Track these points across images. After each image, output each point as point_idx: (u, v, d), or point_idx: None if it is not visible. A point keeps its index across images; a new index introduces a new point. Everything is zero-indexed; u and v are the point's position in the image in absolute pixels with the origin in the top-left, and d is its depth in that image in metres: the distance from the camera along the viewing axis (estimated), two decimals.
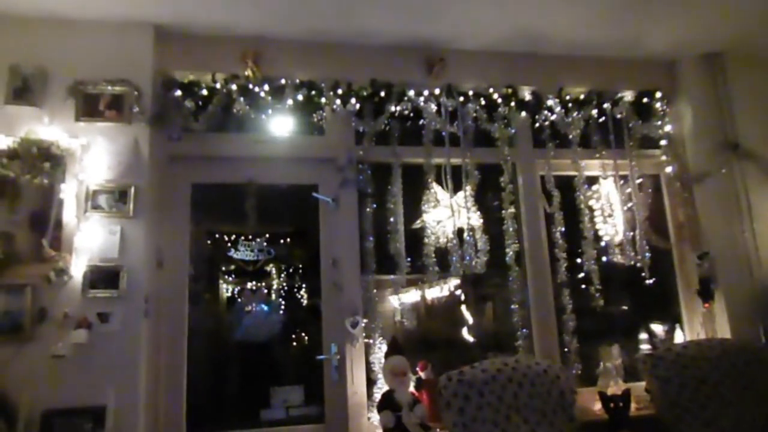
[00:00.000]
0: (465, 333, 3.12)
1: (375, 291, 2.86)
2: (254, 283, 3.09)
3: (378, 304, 2.89)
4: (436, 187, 3.03)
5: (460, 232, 2.99)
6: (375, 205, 2.93)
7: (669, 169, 3.37)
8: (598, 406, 2.86)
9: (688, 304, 3.30)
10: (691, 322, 3.27)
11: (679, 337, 3.22)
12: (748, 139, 3.39)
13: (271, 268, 3.24)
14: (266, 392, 2.81)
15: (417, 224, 3.02)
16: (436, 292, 3.67)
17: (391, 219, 2.92)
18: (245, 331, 2.98)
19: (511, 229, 3.06)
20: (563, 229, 3.11)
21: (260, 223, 2.88)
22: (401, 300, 3.46)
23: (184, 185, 2.83)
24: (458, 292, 3.50)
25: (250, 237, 2.84)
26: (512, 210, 3.09)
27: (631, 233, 3.21)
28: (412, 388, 2.70)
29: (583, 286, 3.16)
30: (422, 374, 2.77)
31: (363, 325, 2.80)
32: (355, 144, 2.97)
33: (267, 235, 2.90)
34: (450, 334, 3.37)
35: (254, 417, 2.79)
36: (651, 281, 3.38)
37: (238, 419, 2.77)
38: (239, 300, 3.01)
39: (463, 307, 3.40)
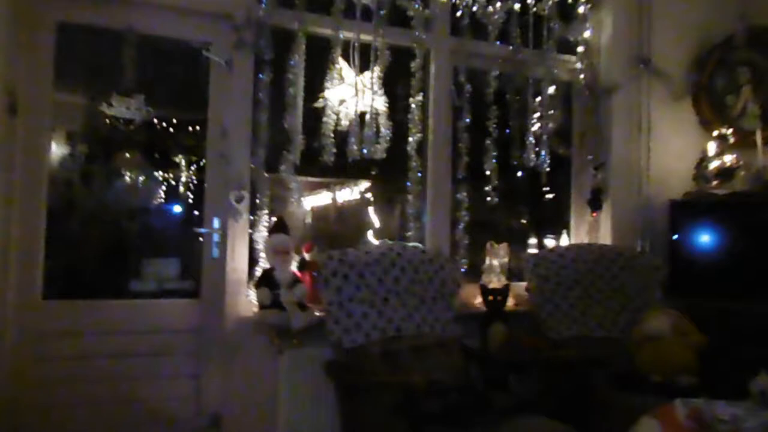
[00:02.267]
0: (370, 236, 3.03)
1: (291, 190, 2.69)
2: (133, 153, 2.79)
3: (288, 207, 2.75)
4: (342, 63, 2.80)
5: (362, 115, 2.82)
6: (273, 75, 2.68)
7: (581, 77, 3.33)
8: (479, 300, 2.93)
9: (578, 211, 3.40)
10: (578, 229, 3.38)
11: (564, 242, 3.33)
12: (659, 56, 3.40)
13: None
14: (137, 263, 2.63)
15: (319, 102, 2.81)
16: (347, 194, 3.56)
17: (290, 90, 2.69)
18: (116, 198, 2.72)
19: (416, 117, 2.93)
20: (469, 123, 3.03)
21: (140, 80, 2.56)
22: (312, 203, 3.35)
23: (47, 23, 2.43)
24: (368, 194, 3.40)
25: (127, 93, 2.52)
26: (420, 98, 2.94)
27: (535, 137, 3.18)
28: (294, 269, 2.61)
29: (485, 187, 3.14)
30: (307, 255, 2.69)
31: (247, 199, 2.63)
32: (257, 1, 2.65)
33: (147, 94, 2.59)
34: (358, 238, 3.28)
35: (123, 288, 2.61)
36: (549, 189, 3.44)
37: (105, 289, 2.58)
38: (113, 163, 2.72)
39: (371, 210, 3.30)
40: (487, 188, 3.09)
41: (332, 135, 2.76)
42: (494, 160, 3.09)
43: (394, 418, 2.02)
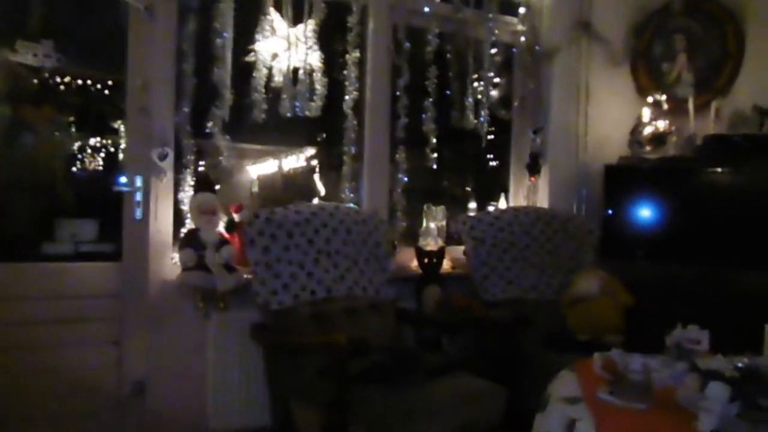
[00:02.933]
0: (316, 203, 2.94)
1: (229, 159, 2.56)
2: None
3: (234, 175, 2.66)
4: (274, 15, 2.66)
5: (295, 71, 2.70)
6: (199, 25, 2.51)
7: (522, 39, 3.29)
8: (416, 263, 2.90)
9: (517, 176, 3.40)
10: (516, 193, 3.39)
11: (502, 206, 3.33)
12: (599, 21, 3.39)
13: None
14: (50, 224, 2.45)
15: (250, 57, 2.66)
16: (293, 162, 3.45)
17: (218, 41, 2.53)
18: (21, 152, 2.52)
19: (353, 75, 2.83)
20: (408, 83, 2.95)
21: (48, 25, 2.36)
22: (258, 171, 3.22)
23: None
24: (313, 161, 3.30)
25: (33, 38, 2.31)
26: (357, 55, 2.84)
27: (475, 99, 3.14)
28: (222, 229, 2.50)
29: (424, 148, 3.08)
30: (236, 216, 2.58)
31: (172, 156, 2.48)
32: None
33: (56, 41, 2.38)
34: None
35: (35, 250, 2.44)
36: (489, 153, 3.42)
37: (13, 252, 2.40)
38: (20, 117, 2.51)
39: (316, 177, 3.19)
40: (426, 151, 3.04)
41: (264, 91, 2.63)
42: (434, 123, 3.04)
43: (321, 378, 1.97)
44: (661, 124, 3.22)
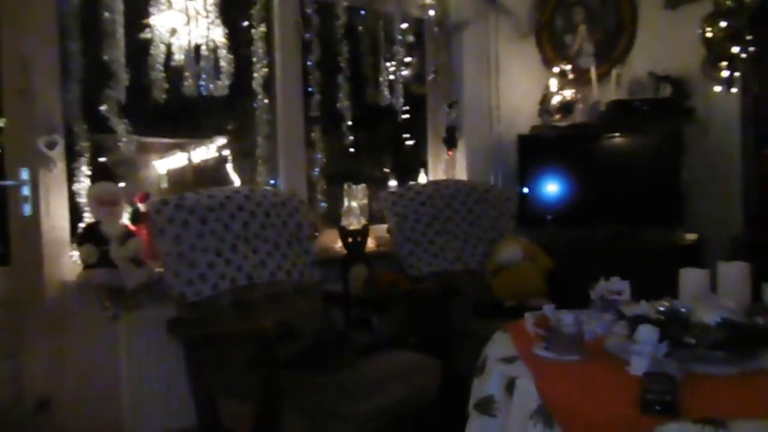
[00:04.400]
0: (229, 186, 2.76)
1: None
2: None
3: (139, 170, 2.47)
4: None
5: (197, 48, 2.51)
6: None
7: (432, 13, 3.27)
8: (340, 244, 2.83)
9: (434, 150, 3.40)
10: (435, 168, 3.39)
11: (422, 180, 3.32)
12: None
13: None
14: None
15: (145, 33, 2.45)
16: (203, 153, 3.24)
17: (106, 15, 2.30)
18: None
19: (261, 51, 2.69)
20: (319, 59, 2.85)
21: None
22: (166, 166, 2.98)
23: None
24: (225, 151, 3.10)
25: None
26: (263, 29, 2.69)
27: (388, 74, 3.09)
28: (126, 221, 2.30)
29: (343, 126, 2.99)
30: (141, 206, 2.37)
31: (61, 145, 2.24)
32: None
33: None
34: None
35: None
36: (405, 128, 3.39)
37: None
38: None
39: (230, 167, 3.00)
40: (343, 129, 2.96)
41: (163, 69, 2.43)
42: (349, 100, 2.96)
43: (249, 369, 1.86)
44: (568, 93, 3.34)
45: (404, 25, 3.13)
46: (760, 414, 0.97)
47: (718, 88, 2.85)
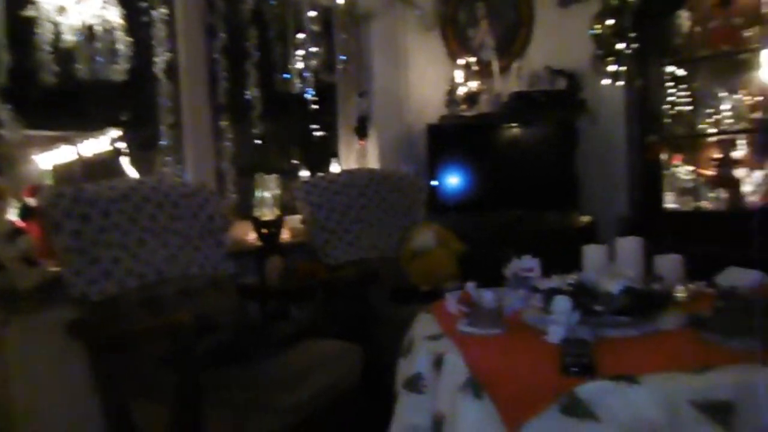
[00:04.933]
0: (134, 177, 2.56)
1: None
2: None
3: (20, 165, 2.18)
4: None
5: (90, 29, 2.33)
6: None
7: (340, 1, 3.26)
8: (254, 236, 2.75)
9: (346, 140, 3.40)
10: (347, 158, 3.40)
11: (335, 170, 3.31)
12: None
13: None
14: None
15: (28, 11, 2.22)
16: (94, 146, 2.98)
17: None
18: None
19: (162, 34, 2.54)
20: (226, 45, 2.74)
21: None
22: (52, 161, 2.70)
23: None
24: (120, 143, 2.87)
25: None
26: (164, 11, 2.55)
27: (298, 62, 3.04)
28: (14, 216, 2.09)
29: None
30: (31, 201, 2.16)
31: None
32: None
33: None
34: None
35: None
36: (317, 118, 3.36)
37: None
38: None
39: (125, 160, 2.79)
40: (252, 118, 2.87)
41: (51, 51, 2.22)
42: (258, 88, 2.88)
43: (163, 368, 1.76)
44: (473, 85, 3.47)
45: (312, 13, 3.09)
46: (663, 368, 1.08)
47: (606, 82, 3.08)
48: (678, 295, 1.58)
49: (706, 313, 1.30)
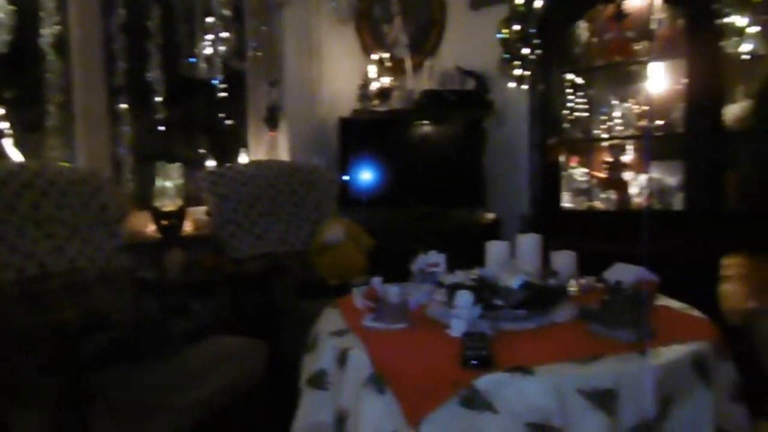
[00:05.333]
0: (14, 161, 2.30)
1: None
2: None
3: None
4: None
5: None
6: None
7: None
8: (153, 228, 2.60)
9: (255, 130, 3.30)
10: (257, 148, 3.30)
11: (243, 161, 3.20)
12: None
13: None
14: None
15: None
16: None
17: None
18: None
19: (51, 4, 2.32)
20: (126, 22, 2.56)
21: None
22: None
23: None
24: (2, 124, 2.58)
25: None
26: None
27: (205, 46, 2.90)
28: None
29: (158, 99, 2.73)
30: None
31: None
32: None
33: None
34: None
35: None
36: (225, 106, 3.23)
37: None
38: None
39: (8, 142, 2.51)
40: (154, 102, 2.71)
41: None
42: (161, 71, 2.72)
43: (47, 371, 1.61)
44: (386, 80, 3.48)
45: None
46: (554, 359, 1.13)
47: (511, 85, 3.21)
48: (571, 289, 1.68)
49: (594, 306, 1.39)
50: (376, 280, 1.51)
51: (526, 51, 3.07)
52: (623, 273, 1.49)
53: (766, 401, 1.38)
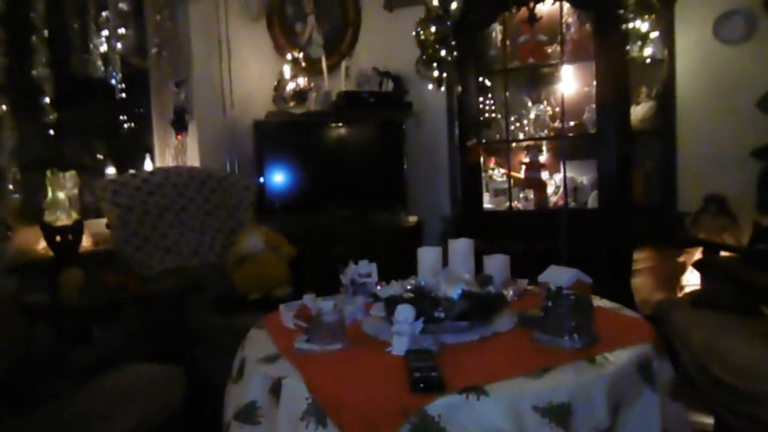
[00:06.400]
0: None
1: None
2: None
3: None
4: None
5: None
6: None
7: None
8: (43, 245, 2.31)
9: (161, 134, 3.05)
10: (163, 153, 3.05)
11: (149, 168, 2.94)
12: None
13: None
14: None
15: None
16: None
17: None
18: None
19: None
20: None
21: None
22: None
23: None
24: None
25: None
26: None
27: (101, 42, 2.63)
28: None
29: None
30: None
31: None
32: None
33: None
34: None
35: None
36: (126, 107, 2.96)
37: None
38: None
39: None
40: (41, 104, 2.40)
41: None
42: (49, 68, 2.42)
43: None
44: (302, 81, 3.35)
45: None
46: (507, 374, 1.07)
47: (430, 87, 3.19)
48: (508, 294, 1.65)
49: (534, 312, 1.35)
50: (308, 298, 1.39)
51: (443, 52, 3.06)
52: (559, 276, 1.47)
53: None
